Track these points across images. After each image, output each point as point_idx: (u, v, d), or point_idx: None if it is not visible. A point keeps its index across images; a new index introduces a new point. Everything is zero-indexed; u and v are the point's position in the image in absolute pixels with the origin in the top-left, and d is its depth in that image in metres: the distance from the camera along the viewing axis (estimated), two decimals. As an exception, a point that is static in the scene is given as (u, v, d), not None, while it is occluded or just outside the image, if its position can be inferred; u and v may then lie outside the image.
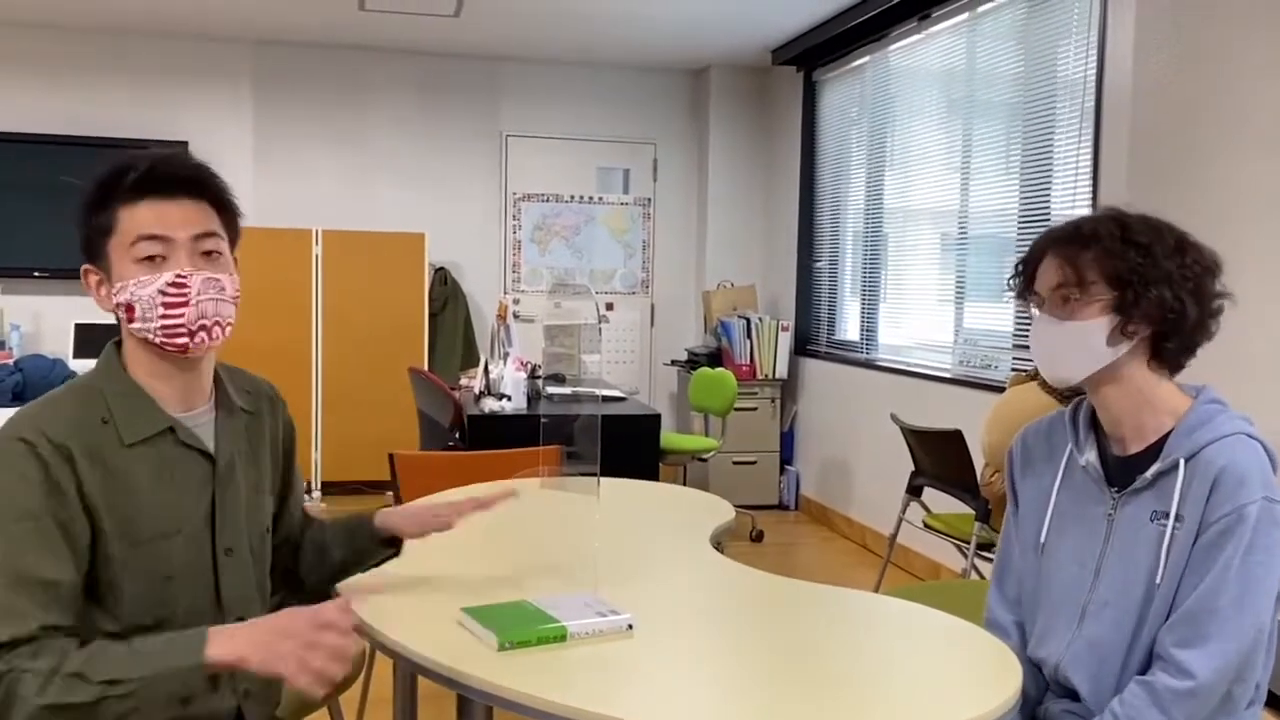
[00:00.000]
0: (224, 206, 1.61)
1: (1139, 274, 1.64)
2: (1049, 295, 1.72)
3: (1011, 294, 1.84)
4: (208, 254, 1.56)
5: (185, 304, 1.52)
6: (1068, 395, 3.18)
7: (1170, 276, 1.64)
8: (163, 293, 1.51)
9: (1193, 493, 1.63)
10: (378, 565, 1.90)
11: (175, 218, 1.53)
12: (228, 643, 1.40)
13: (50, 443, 1.45)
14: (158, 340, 1.53)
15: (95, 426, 1.51)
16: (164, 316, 1.52)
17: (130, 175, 1.52)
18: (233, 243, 1.63)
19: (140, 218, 1.52)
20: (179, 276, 1.52)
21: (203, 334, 1.54)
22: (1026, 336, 4.44)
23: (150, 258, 1.52)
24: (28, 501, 1.43)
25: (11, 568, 1.40)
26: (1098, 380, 1.71)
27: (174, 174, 1.55)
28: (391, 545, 1.89)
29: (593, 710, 1.39)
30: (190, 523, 1.59)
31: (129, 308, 1.52)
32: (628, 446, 4.66)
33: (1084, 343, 1.68)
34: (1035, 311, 1.77)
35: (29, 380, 4.24)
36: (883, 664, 1.59)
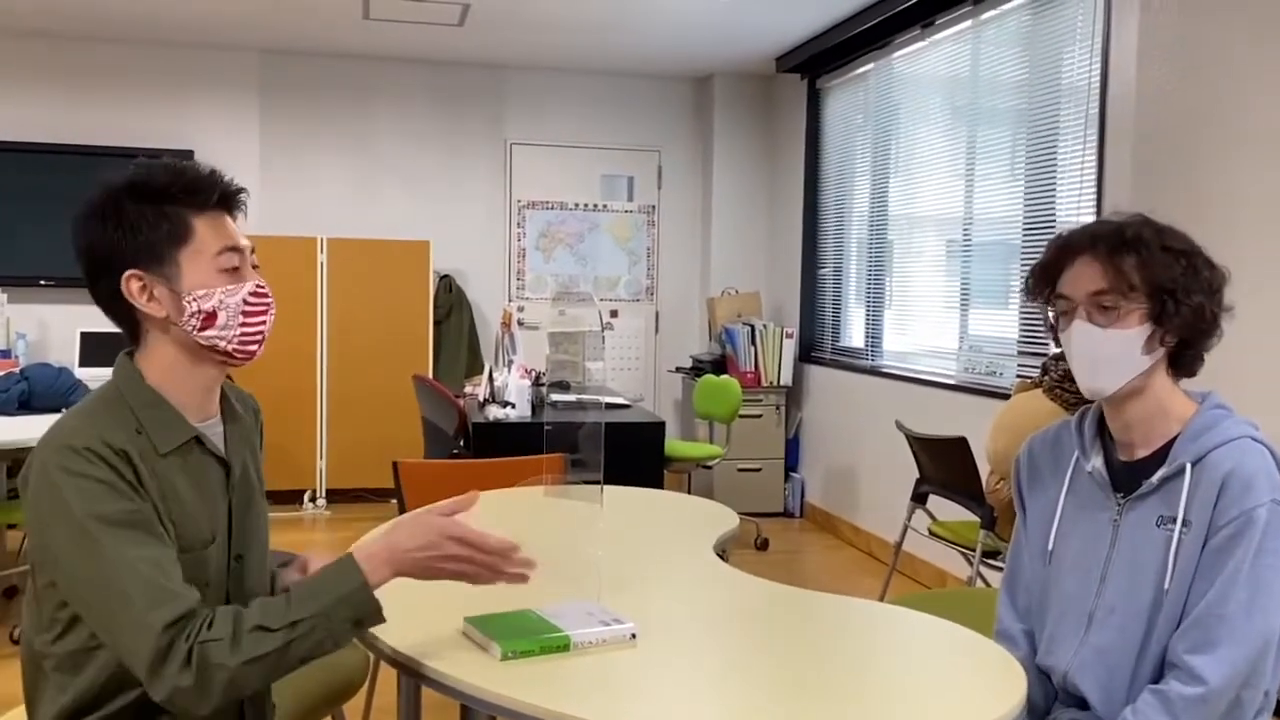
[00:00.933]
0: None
1: (1181, 284, 1.63)
2: (1085, 300, 1.68)
3: (1027, 296, 1.80)
4: (256, 269, 1.64)
5: (265, 312, 1.61)
6: (1074, 402, 3.18)
7: (1206, 285, 1.65)
8: (246, 302, 1.58)
9: (1199, 497, 1.63)
10: None
11: (238, 232, 1.61)
12: (376, 565, 1.50)
13: (111, 448, 1.46)
14: (230, 348, 1.57)
15: (134, 436, 1.52)
16: (244, 325, 1.58)
17: (212, 190, 1.57)
18: None
19: (222, 230, 1.58)
20: (259, 287, 1.60)
21: (264, 344, 1.63)
22: (1031, 343, 4.43)
23: (232, 269, 1.58)
24: (119, 500, 1.44)
25: (143, 556, 1.43)
26: (1127, 389, 1.69)
27: (236, 192, 1.62)
28: None
29: None
30: (223, 529, 1.62)
31: (210, 316, 1.55)
32: (632, 454, 4.66)
33: (1125, 352, 1.66)
34: (1051, 313, 1.74)
35: (35, 389, 4.23)
36: (887, 673, 1.58)
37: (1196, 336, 1.66)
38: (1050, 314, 1.77)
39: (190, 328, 1.54)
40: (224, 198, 1.59)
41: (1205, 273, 1.66)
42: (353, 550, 1.52)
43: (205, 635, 1.39)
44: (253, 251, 1.63)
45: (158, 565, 1.43)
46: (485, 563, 1.55)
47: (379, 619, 1.50)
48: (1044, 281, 1.76)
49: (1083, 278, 1.69)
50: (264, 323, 1.61)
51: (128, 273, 1.53)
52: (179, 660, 1.37)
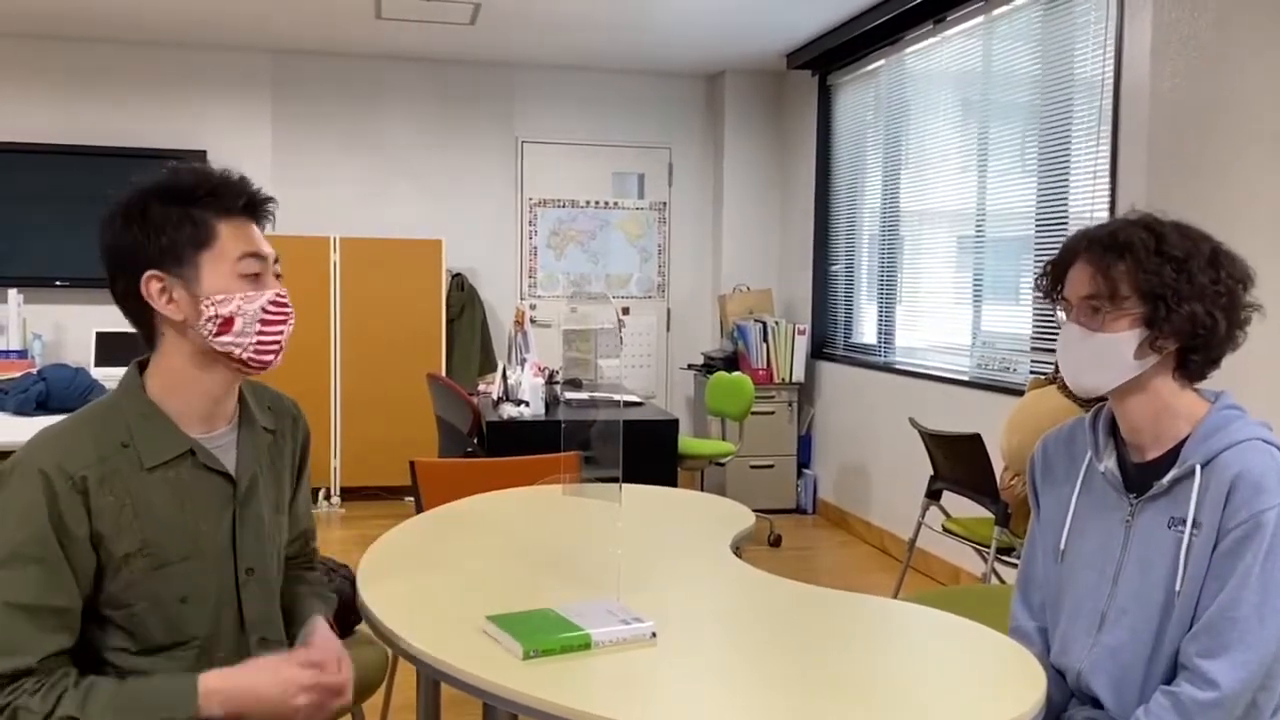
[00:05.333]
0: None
1: (1173, 289, 1.61)
2: (1078, 303, 1.70)
3: (1039, 294, 1.81)
4: (279, 278, 1.63)
5: (284, 322, 1.59)
6: (1088, 399, 3.18)
7: (1204, 292, 1.62)
8: (265, 310, 1.56)
9: (1209, 499, 1.62)
10: None
11: (263, 240, 1.61)
12: (218, 699, 1.47)
13: (65, 476, 1.46)
14: (246, 355, 1.56)
15: (115, 452, 1.52)
16: (261, 333, 1.56)
17: (239, 196, 1.57)
18: None
19: (245, 236, 1.57)
20: (279, 295, 1.59)
21: (282, 353, 1.61)
22: (1045, 339, 4.43)
23: (253, 275, 1.57)
24: (32, 530, 1.44)
25: (13, 598, 1.42)
26: (1123, 391, 1.70)
27: (264, 200, 1.62)
28: None
29: (619, 719, 1.39)
30: (211, 545, 1.59)
31: (228, 321, 1.54)
32: (646, 451, 4.67)
33: (1111, 355, 1.66)
34: (1062, 316, 1.75)
35: (52, 389, 4.25)
36: (906, 671, 1.59)
37: (1200, 344, 1.64)
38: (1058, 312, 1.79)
39: (207, 332, 1.54)
40: (250, 204, 1.59)
41: (1203, 278, 1.62)
42: (201, 678, 1.48)
43: (24, 702, 1.39)
44: (276, 261, 1.62)
45: (18, 609, 1.42)
46: (329, 693, 1.57)
47: None
48: (1053, 280, 1.77)
49: (1076, 280, 1.70)
50: (281, 332, 1.59)
51: (148, 273, 1.53)
52: None
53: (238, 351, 1.55)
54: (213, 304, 1.53)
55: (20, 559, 1.43)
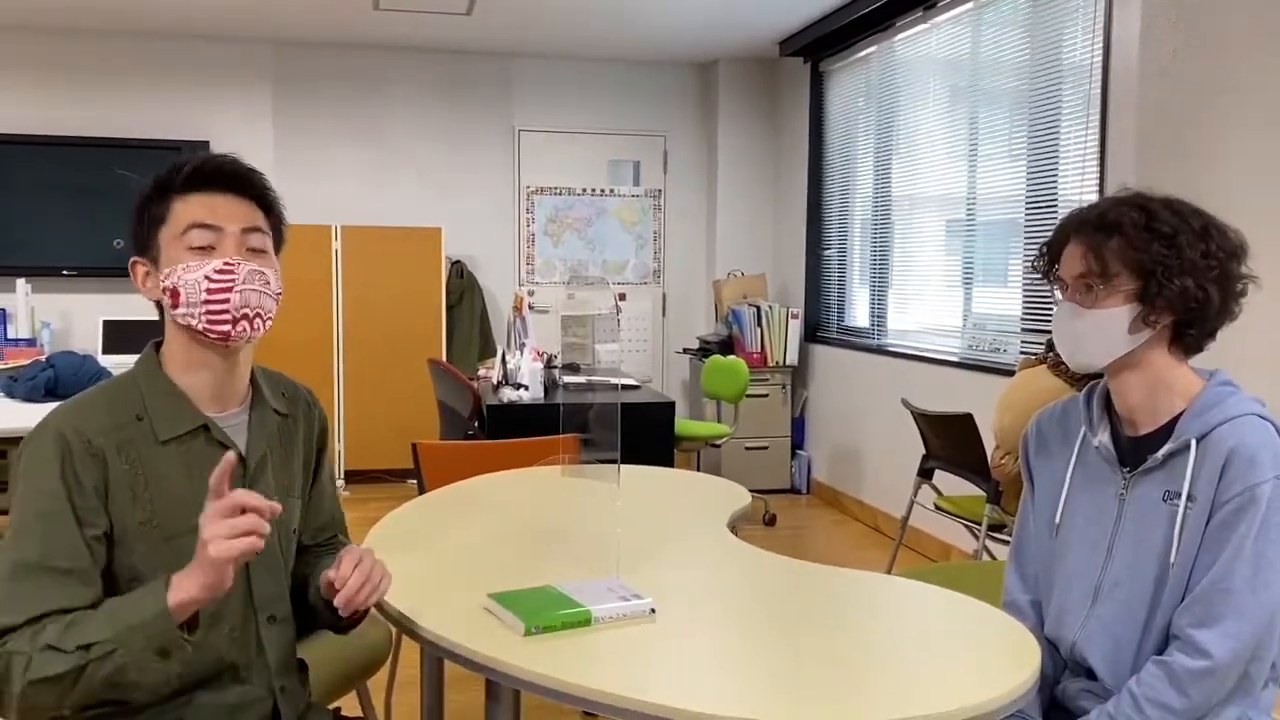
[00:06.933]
0: (270, 208, 1.64)
1: (1163, 265, 1.62)
2: (1072, 282, 1.71)
3: (1037, 274, 1.83)
4: (254, 250, 1.59)
5: (229, 290, 1.54)
6: (1079, 378, 3.19)
7: (1195, 267, 1.62)
8: (209, 278, 1.53)
9: (1204, 473, 1.63)
10: (325, 626, 1.79)
11: (224, 210, 1.57)
12: (182, 586, 1.40)
13: (83, 439, 1.50)
14: (200, 326, 1.54)
15: (129, 423, 1.54)
16: (208, 302, 1.53)
17: (186, 168, 1.57)
18: (277, 245, 1.67)
19: (192, 207, 1.56)
20: (226, 264, 1.54)
21: (244, 323, 1.56)
22: (1035, 320, 4.50)
23: (202, 247, 1.54)
24: (44, 486, 1.47)
25: (15, 558, 1.44)
26: (1118, 366, 1.71)
27: (225, 169, 1.59)
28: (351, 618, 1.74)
29: (619, 693, 1.41)
30: None
31: (174, 293, 1.54)
32: (643, 433, 4.73)
33: (1106, 331, 1.68)
34: (1058, 295, 1.77)
35: (60, 376, 4.30)
36: (905, 645, 1.60)
37: (1194, 317, 1.65)
38: (1055, 291, 1.80)
39: (166, 306, 1.57)
40: (200, 175, 1.57)
41: (1192, 253, 1.63)
42: (173, 576, 1.42)
43: (15, 647, 1.38)
44: (252, 231, 1.59)
45: (24, 568, 1.43)
46: (232, 510, 1.39)
47: (181, 649, 1.41)
48: (1049, 261, 1.79)
49: (1070, 260, 1.72)
50: (227, 300, 1.53)
51: (133, 260, 1.61)
52: None
53: (193, 323, 1.55)
54: (164, 278, 1.56)
55: (31, 519, 1.46)
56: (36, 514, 1.46)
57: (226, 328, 1.55)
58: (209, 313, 1.53)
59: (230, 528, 1.37)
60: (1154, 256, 1.63)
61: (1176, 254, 1.63)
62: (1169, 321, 1.67)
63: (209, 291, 1.53)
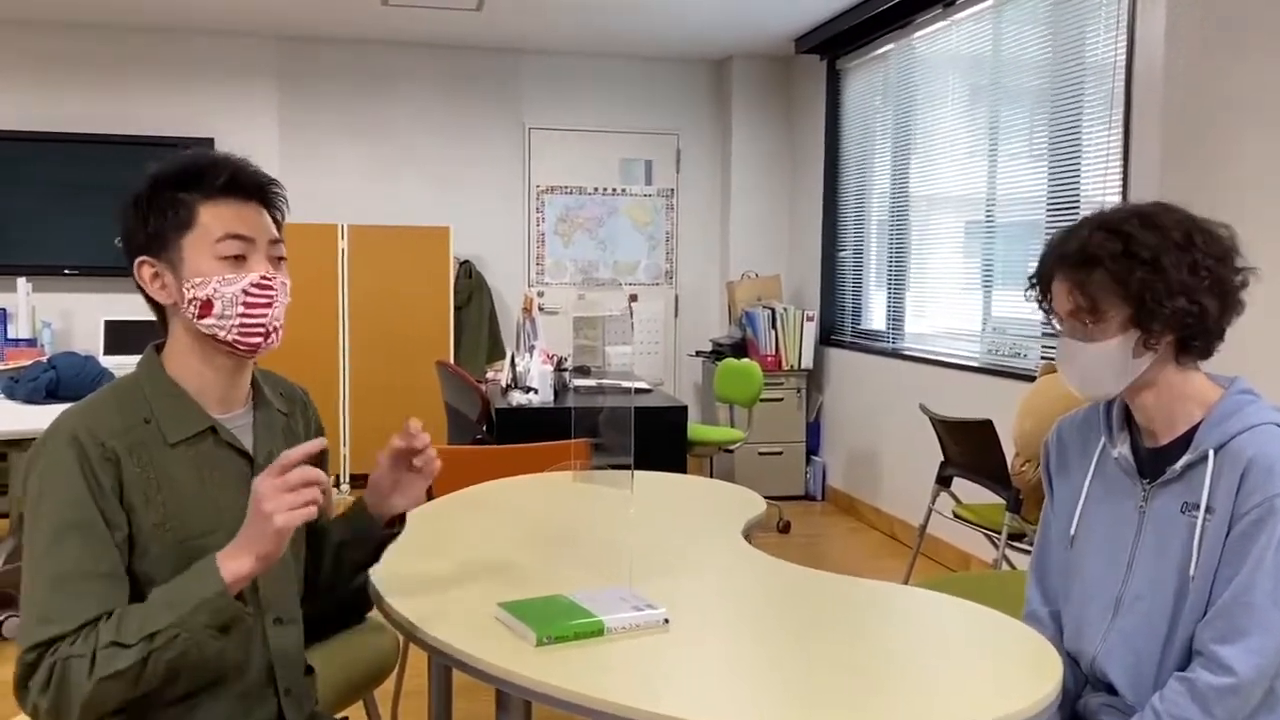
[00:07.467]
0: (280, 219, 1.65)
1: (1150, 290, 1.60)
2: (1066, 317, 1.71)
3: (1034, 303, 1.82)
4: (277, 260, 1.61)
5: (268, 305, 1.57)
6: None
7: (1184, 284, 1.60)
8: (246, 292, 1.55)
9: (1223, 484, 1.62)
10: (383, 547, 1.82)
11: (254, 221, 1.58)
12: (235, 559, 1.44)
13: (97, 443, 1.49)
14: (230, 338, 1.55)
15: (139, 426, 1.54)
16: (244, 315, 1.55)
17: (220, 175, 1.56)
18: None
19: (226, 217, 1.56)
20: (264, 278, 1.57)
21: (274, 336, 1.59)
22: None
23: (235, 257, 1.55)
24: (70, 494, 1.46)
25: (54, 569, 1.44)
26: (1132, 390, 1.71)
27: (256, 181, 1.60)
28: (390, 526, 1.81)
29: (632, 705, 1.39)
30: (231, 522, 1.59)
31: (207, 304, 1.54)
32: (655, 438, 4.67)
33: (1109, 362, 1.67)
34: (1057, 326, 1.76)
35: (62, 377, 4.26)
36: (923, 656, 1.58)
37: (1192, 331, 1.64)
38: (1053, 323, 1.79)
39: (190, 315, 1.56)
40: (232, 184, 1.57)
41: (1178, 272, 1.60)
42: (217, 554, 1.45)
43: (69, 651, 1.39)
44: (276, 243, 1.61)
45: (61, 579, 1.43)
46: (298, 480, 1.43)
47: (242, 620, 1.45)
48: (1041, 292, 1.78)
49: (1059, 296, 1.72)
50: (265, 315, 1.57)
51: (139, 259, 1.58)
52: (40, 682, 1.39)
53: (221, 334, 1.55)
54: (193, 287, 1.54)
55: (63, 529, 1.45)
56: (68, 524, 1.46)
57: (259, 340, 1.58)
58: (244, 325, 1.56)
59: (297, 498, 1.42)
60: (1140, 284, 1.61)
61: (1162, 277, 1.60)
62: (1171, 339, 1.66)
63: (246, 305, 1.55)
